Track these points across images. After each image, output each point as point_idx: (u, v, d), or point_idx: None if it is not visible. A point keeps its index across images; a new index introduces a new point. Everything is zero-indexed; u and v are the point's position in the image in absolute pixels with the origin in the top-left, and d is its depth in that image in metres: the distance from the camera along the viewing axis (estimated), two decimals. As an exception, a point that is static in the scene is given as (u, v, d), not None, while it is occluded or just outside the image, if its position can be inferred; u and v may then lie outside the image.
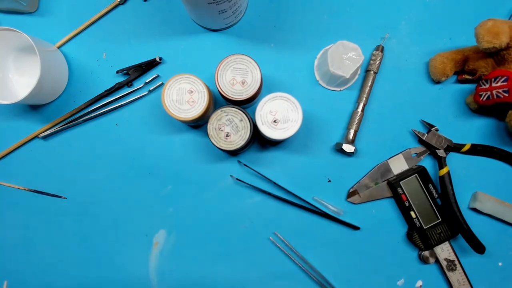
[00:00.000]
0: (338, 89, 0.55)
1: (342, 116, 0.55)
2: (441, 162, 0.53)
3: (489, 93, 0.49)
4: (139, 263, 0.56)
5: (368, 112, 0.55)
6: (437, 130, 0.53)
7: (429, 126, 0.54)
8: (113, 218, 0.56)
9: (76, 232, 0.57)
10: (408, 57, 0.55)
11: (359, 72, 0.54)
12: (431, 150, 0.54)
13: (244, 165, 0.54)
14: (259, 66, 0.47)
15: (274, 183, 0.54)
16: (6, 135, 0.57)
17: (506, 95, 0.47)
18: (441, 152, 0.53)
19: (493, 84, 0.48)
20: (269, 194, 0.54)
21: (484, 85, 0.50)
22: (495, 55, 0.49)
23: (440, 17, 0.55)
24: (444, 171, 0.53)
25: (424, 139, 0.53)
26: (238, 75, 0.47)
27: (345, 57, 0.49)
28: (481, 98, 0.50)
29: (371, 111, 0.55)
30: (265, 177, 0.54)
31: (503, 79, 0.47)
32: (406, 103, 0.55)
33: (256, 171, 0.54)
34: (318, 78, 0.55)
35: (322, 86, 0.55)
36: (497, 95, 0.48)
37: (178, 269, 0.56)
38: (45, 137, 0.57)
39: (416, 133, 0.53)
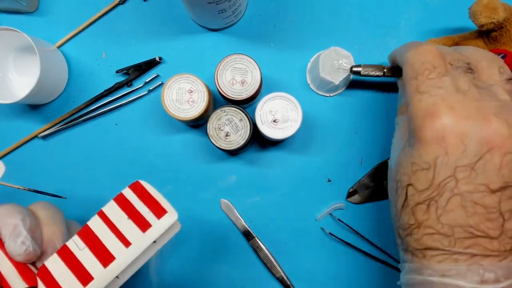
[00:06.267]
0: (328, 94, 0.55)
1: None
2: None
3: None
4: (139, 263, 0.56)
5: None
6: None
7: None
8: (113, 218, 0.56)
9: (76, 232, 0.57)
10: (408, 57, 0.55)
11: (350, 79, 0.54)
12: None
13: (338, 219, 0.54)
14: (259, 66, 0.47)
15: (364, 237, 0.54)
16: (6, 135, 0.57)
17: None
18: None
19: None
20: (359, 250, 0.54)
21: None
22: (486, 36, 0.49)
23: (440, 17, 0.55)
24: None
25: None
26: (238, 74, 0.47)
27: (337, 64, 0.49)
28: None
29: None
30: (354, 230, 0.54)
31: (500, 56, 0.47)
32: (406, 103, 0.55)
33: (348, 225, 0.54)
34: (309, 81, 0.55)
35: (312, 90, 0.55)
36: None
37: (178, 269, 0.56)
38: (45, 137, 0.56)
39: None
